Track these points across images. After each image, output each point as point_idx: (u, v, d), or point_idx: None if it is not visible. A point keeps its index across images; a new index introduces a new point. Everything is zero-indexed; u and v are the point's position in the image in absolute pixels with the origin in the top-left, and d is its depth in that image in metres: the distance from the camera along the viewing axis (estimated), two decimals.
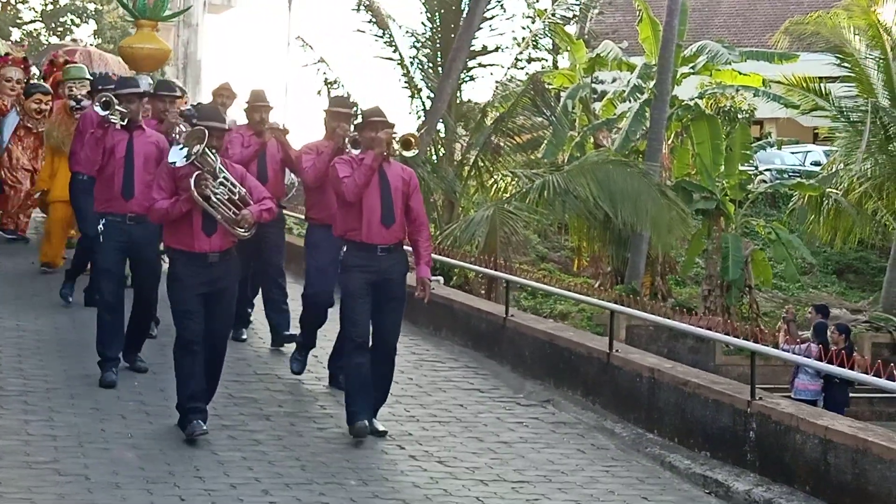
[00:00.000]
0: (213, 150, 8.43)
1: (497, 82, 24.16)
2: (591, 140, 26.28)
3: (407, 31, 23.77)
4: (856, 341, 18.27)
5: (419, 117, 22.21)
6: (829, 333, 16.32)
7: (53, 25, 38.42)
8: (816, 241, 27.46)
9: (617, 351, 10.85)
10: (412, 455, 8.81)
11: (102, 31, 37.39)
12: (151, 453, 8.48)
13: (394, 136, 9.02)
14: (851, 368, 10.36)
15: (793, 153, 33.15)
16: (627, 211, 19.94)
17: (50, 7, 38.56)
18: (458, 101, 22.96)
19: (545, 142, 24.37)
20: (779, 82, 27.74)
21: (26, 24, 39.30)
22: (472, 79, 24.04)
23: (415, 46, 23.47)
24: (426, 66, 23.39)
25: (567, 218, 23.11)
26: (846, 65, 27.55)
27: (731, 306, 23.52)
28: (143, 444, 8.68)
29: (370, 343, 8.96)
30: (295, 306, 11.18)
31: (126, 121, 9.66)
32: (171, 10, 18.29)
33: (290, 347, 11.01)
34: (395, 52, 23.34)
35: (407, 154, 9.13)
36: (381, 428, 9.05)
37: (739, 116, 26.33)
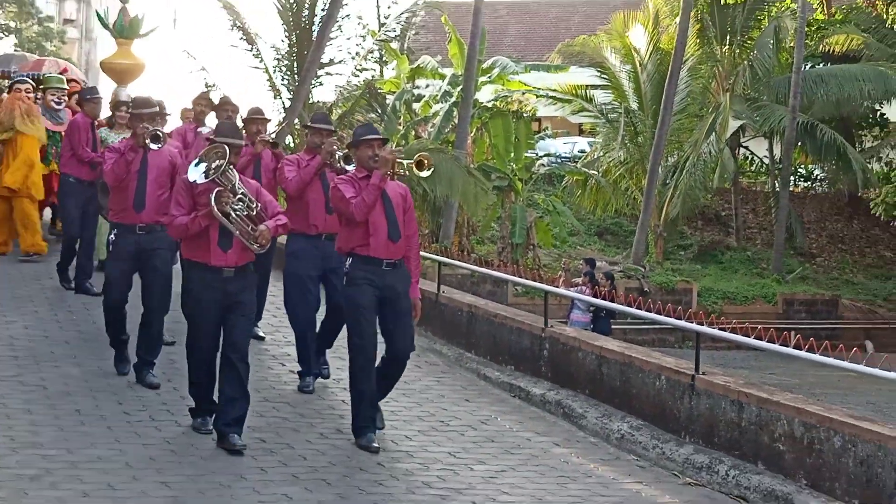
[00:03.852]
0: (231, 166, 6.98)
1: (339, 87, 24.19)
2: (413, 132, 26.39)
3: (271, 46, 23.59)
4: (615, 286, 18.80)
5: (281, 114, 22.08)
6: (597, 278, 16.83)
7: None
8: (582, 210, 28.03)
9: (443, 292, 11.12)
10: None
11: (22, 44, 36.26)
12: (92, 369, 8.44)
13: (398, 153, 7.64)
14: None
15: (564, 143, 33.57)
16: (444, 187, 20.22)
17: None
18: (310, 101, 22.76)
19: None
20: (554, 90, 28.23)
21: None
22: (321, 84, 23.91)
23: (276, 58, 23.26)
24: (286, 74, 23.26)
25: None
26: (605, 76, 28.09)
27: (519, 260, 23.90)
28: (86, 363, 8.61)
29: (377, 358, 7.42)
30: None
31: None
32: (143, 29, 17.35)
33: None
34: (261, 62, 23.02)
35: (422, 175, 7.49)
36: (380, 424, 7.60)
37: (524, 115, 26.54)
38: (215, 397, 7.16)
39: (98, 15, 16.61)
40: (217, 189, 6.86)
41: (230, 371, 6.96)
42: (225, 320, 7.00)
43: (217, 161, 6.87)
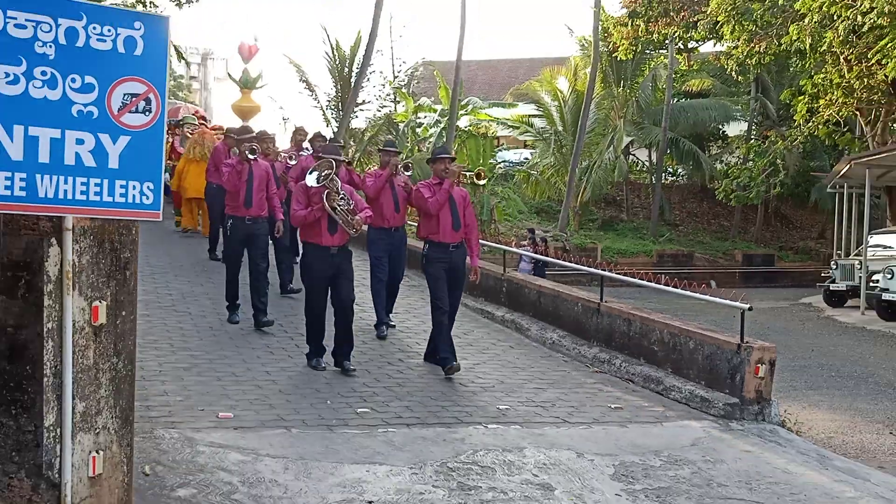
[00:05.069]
0: (335, 175, 6.64)
1: (369, 118, 24.25)
2: (417, 148, 26.32)
3: (324, 92, 23.69)
4: (548, 246, 18.95)
5: (331, 137, 22.18)
6: (536, 241, 16.95)
7: None
8: (526, 196, 28.04)
9: None
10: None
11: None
12: (220, 302, 8.24)
13: (462, 167, 7.12)
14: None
15: (514, 153, 33.35)
16: None
17: None
18: (350, 128, 22.88)
19: None
20: (508, 119, 28.21)
21: None
22: (356, 116, 23.95)
23: (328, 100, 23.34)
24: (333, 110, 23.31)
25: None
26: (541, 109, 28.04)
27: (486, 230, 23.92)
28: (216, 300, 8.44)
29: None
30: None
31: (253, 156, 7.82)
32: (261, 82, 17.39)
33: None
34: (317, 102, 23.20)
35: (479, 183, 7.07)
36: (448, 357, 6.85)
37: (488, 135, 26.55)
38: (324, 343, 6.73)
39: (229, 75, 16.80)
40: (327, 190, 6.54)
41: (341, 318, 6.61)
42: (333, 284, 6.58)
43: (325, 171, 6.59)
